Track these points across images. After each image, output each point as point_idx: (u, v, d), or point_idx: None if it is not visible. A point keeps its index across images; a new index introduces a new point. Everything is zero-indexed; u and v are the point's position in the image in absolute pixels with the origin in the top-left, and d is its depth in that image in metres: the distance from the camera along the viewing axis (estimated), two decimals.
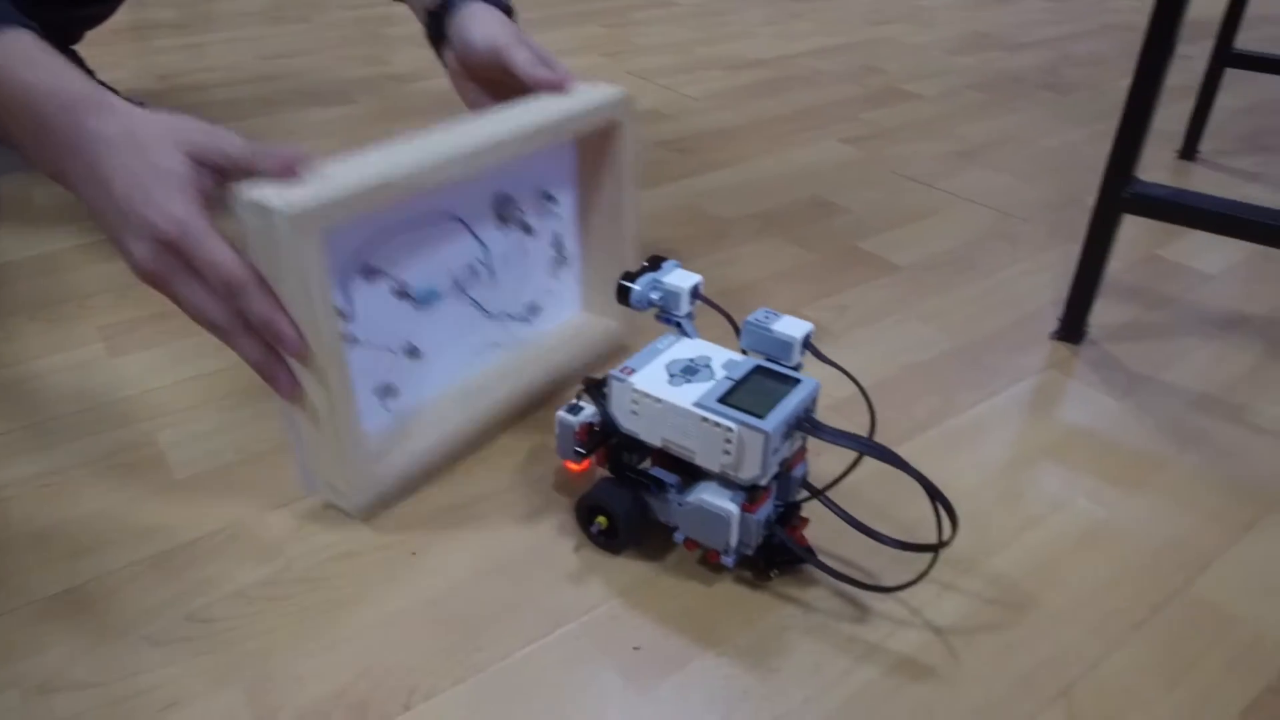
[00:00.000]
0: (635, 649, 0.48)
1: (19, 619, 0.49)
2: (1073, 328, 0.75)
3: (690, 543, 0.52)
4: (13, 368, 0.70)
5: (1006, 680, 0.47)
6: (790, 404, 0.48)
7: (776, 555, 0.51)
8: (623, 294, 0.55)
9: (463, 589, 0.52)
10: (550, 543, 0.55)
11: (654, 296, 0.55)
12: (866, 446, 0.48)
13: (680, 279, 0.55)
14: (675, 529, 0.52)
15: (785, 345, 0.52)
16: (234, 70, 1.45)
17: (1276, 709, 0.46)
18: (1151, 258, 0.90)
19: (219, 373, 0.70)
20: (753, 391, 0.49)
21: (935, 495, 0.47)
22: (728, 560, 0.51)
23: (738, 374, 0.51)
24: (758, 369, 0.51)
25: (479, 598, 0.51)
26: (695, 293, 0.55)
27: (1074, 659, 0.48)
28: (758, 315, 0.53)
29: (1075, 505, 0.59)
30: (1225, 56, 1.09)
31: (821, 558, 0.51)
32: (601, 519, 0.53)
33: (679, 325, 0.56)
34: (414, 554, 0.54)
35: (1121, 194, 0.69)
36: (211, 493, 0.58)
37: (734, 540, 0.50)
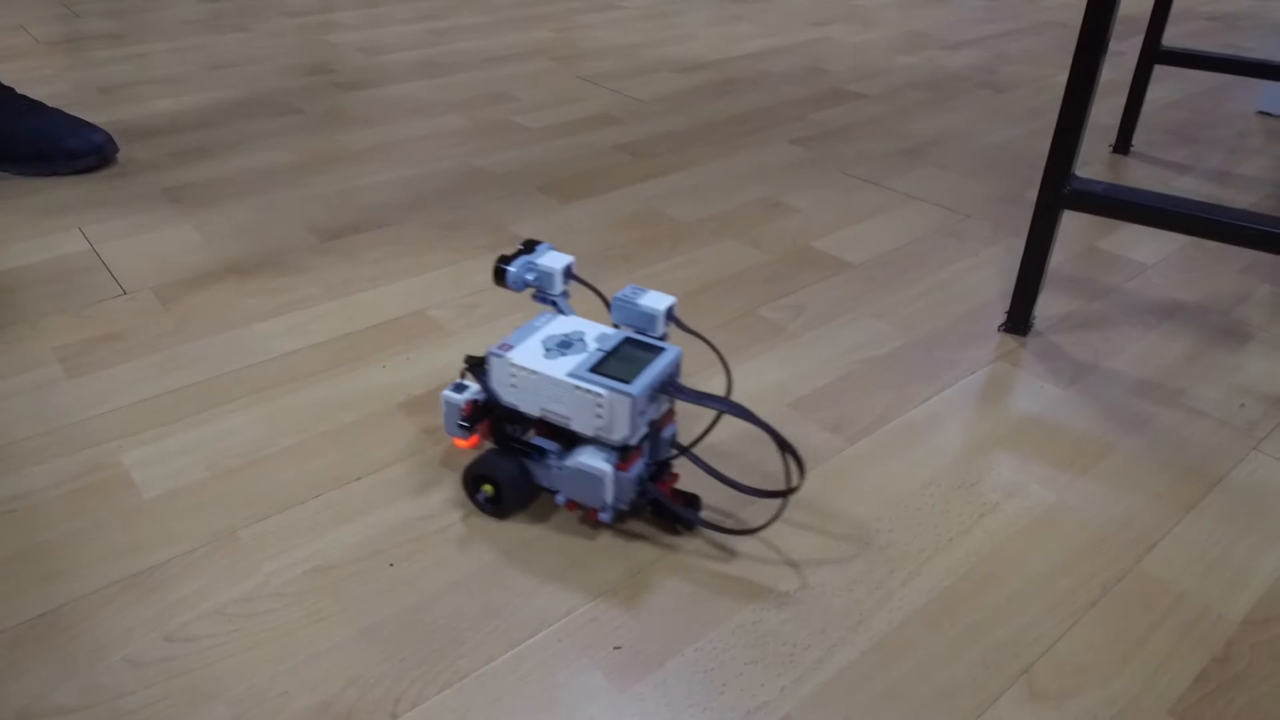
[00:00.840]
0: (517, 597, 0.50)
1: None
2: (1019, 320, 0.78)
3: (571, 504, 0.57)
4: None
5: (968, 663, 0.49)
6: (654, 370, 0.53)
7: (663, 510, 0.56)
8: (499, 275, 0.58)
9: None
10: (440, 514, 0.57)
11: (529, 277, 0.59)
12: (724, 405, 0.52)
13: (554, 260, 0.58)
14: (557, 492, 0.56)
15: (650, 318, 0.56)
16: (178, 82, 1.42)
17: (1223, 678, 0.49)
18: (1091, 249, 0.94)
19: (182, 390, 0.69)
20: (621, 361, 0.54)
21: (784, 446, 0.52)
22: (605, 516, 0.55)
23: (608, 346, 0.55)
24: (626, 340, 0.56)
25: (441, 604, 0.52)
26: (568, 273, 0.59)
27: (1031, 639, 0.51)
28: (625, 292, 0.57)
29: (1028, 491, 0.61)
30: (1154, 54, 1.14)
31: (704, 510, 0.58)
32: (488, 487, 0.56)
33: (554, 303, 0.59)
34: (391, 565, 0.54)
35: (1061, 191, 0.72)
36: (183, 511, 0.58)
37: (609, 497, 0.54)
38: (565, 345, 0.55)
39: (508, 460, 0.56)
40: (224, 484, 0.60)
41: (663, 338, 0.57)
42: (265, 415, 0.67)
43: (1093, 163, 1.17)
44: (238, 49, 1.61)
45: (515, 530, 0.57)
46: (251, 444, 0.64)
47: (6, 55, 1.55)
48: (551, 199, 1.04)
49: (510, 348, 0.55)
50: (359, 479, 0.61)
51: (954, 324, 0.80)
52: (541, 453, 0.56)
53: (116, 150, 1.10)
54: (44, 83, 1.41)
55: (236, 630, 0.50)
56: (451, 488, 0.60)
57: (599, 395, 0.51)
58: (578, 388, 0.52)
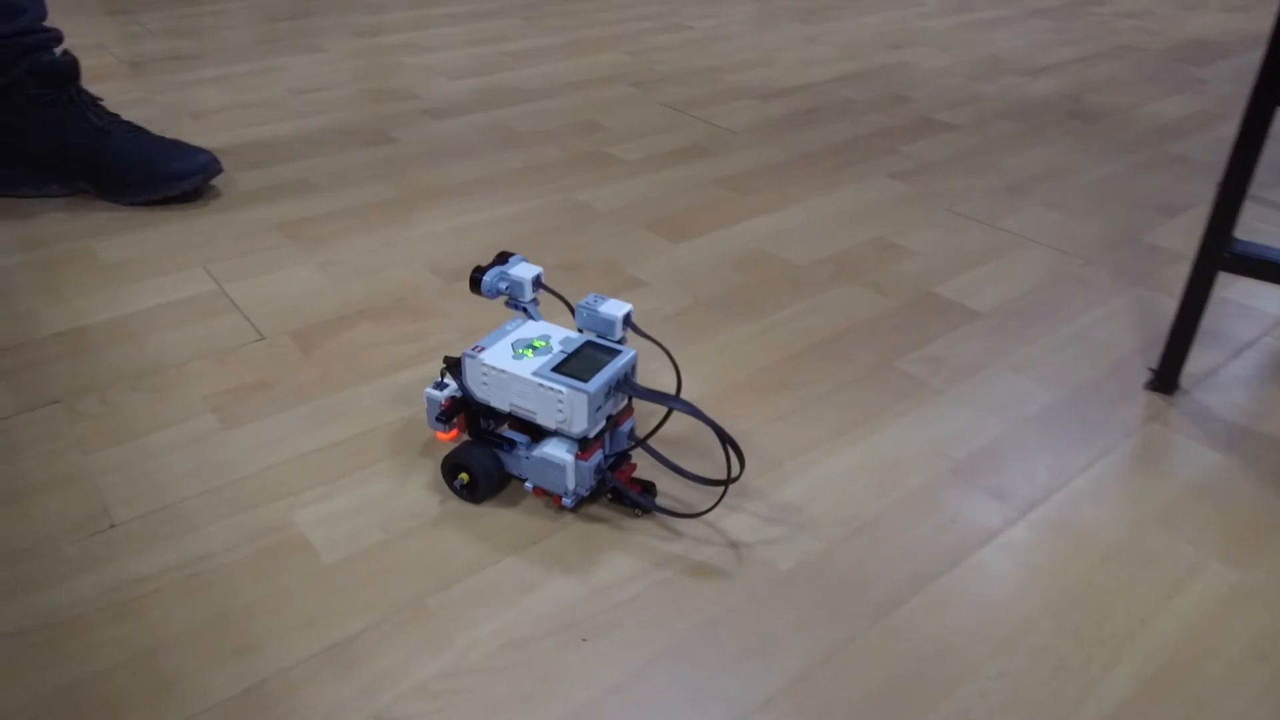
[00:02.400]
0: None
1: None
2: (1167, 380, 0.77)
3: (538, 490, 0.63)
4: (129, 444, 0.70)
5: None
6: (611, 370, 0.59)
7: (621, 496, 0.63)
8: (474, 284, 0.64)
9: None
10: (624, 582, 0.58)
11: (502, 286, 0.65)
12: (673, 402, 0.58)
13: (524, 271, 0.65)
14: (525, 480, 0.63)
15: (609, 323, 0.62)
16: (267, 107, 1.43)
17: None
18: (1218, 299, 0.93)
19: (340, 445, 0.70)
20: (581, 361, 0.60)
21: (725, 439, 0.58)
22: (567, 501, 0.62)
23: (570, 348, 0.61)
24: (587, 343, 0.62)
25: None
26: (537, 282, 0.65)
27: None
28: (588, 299, 0.63)
29: (1208, 568, 0.61)
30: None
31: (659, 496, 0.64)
32: (464, 475, 0.63)
33: (525, 310, 0.66)
34: (584, 640, 0.54)
35: (1221, 254, 0.71)
36: (366, 578, 0.58)
37: (571, 484, 0.61)
38: (530, 347, 0.61)
39: (482, 451, 0.62)
40: (401, 548, 0.61)
41: (621, 341, 0.63)
42: (426, 473, 0.67)
43: (1200, 203, 1.15)
44: (317, 71, 1.62)
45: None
46: (419, 505, 0.64)
47: (94, 77, 1.57)
48: (661, 237, 1.04)
49: (482, 349, 0.61)
50: (533, 544, 0.61)
51: (1098, 381, 0.79)
52: (512, 444, 0.62)
53: (221, 170, 1.11)
54: (136, 106, 1.42)
55: (444, 709, 0.50)
56: (635, 554, 0.60)
57: (560, 392, 0.58)
58: (541, 385, 0.58)
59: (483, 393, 0.61)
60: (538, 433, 0.62)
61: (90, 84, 1.52)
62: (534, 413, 0.60)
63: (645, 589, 0.58)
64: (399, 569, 0.59)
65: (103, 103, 1.13)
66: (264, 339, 0.83)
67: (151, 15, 2.01)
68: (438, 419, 0.63)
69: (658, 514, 0.63)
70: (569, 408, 0.58)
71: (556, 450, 0.60)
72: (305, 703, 0.50)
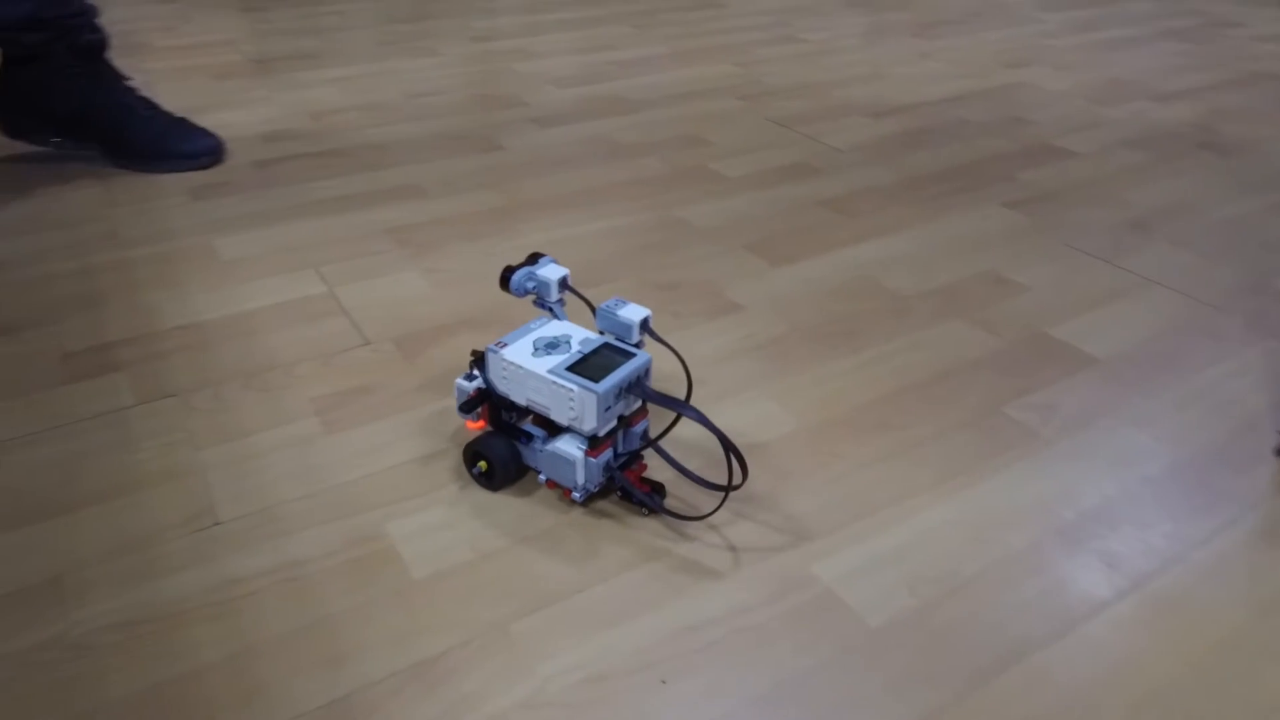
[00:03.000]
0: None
1: None
2: None
3: (551, 483, 0.66)
4: (237, 442, 0.72)
5: None
6: (623, 372, 0.61)
7: (628, 494, 0.65)
8: (504, 282, 0.67)
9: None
10: (709, 623, 0.56)
11: (530, 285, 0.68)
12: (680, 407, 0.59)
13: (551, 272, 0.67)
14: (540, 472, 0.65)
15: (627, 327, 0.64)
16: (382, 109, 1.47)
17: None
18: None
19: (435, 456, 0.71)
20: (595, 362, 0.62)
21: (729, 447, 0.59)
22: (577, 495, 0.64)
23: (588, 348, 0.63)
24: (605, 345, 0.64)
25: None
26: (563, 284, 0.68)
27: None
28: (609, 303, 0.65)
29: None
30: None
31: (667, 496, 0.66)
32: (482, 463, 0.66)
33: (550, 309, 0.69)
34: (664, 681, 0.54)
35: None
36: (453, 596, 0.59)
37: (580, 479, 0.63)
38: (552, 346, 0.64)
39: (501, 442, 0.65)
40: (488, 568, 0.61)
41: (639, 345, 0.65)
42: (518, 493, 0.67)
43: None
44: (431, 75, 1.65)
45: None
46: (510, 525, 0.65)
47: (222, 73, 1.64)
48: (761, 260, 1.02)
49: (505, 345, 0.64)
50: (618, 575, 0.61)
51: (1223, 443, 0.74)
52: (529, 437, 0.65)
53: (224, 157, 1.26)
54: (258, 105, 1.48)
55: None
56: (712, 593, 0.59)
57: (571, 390, 0.60)
58: (554, 382, 0.61)
59: (503, 386, 0.64)
60: (554, 428, 0.65)
61: (217, 80, 1.60)
62: (548, 408, 0.62)
63: (729, 633, 0.57)
64: (485, 590, 0.59)
65: (130, 81, 1.24)
66: (368, 344, 0.85)
67: (281, 13, 2.10)
68: (460, 408, 0.66)
69: (664, 515, 0.65)
70: (579, 405, 0.60)
71: (568, 446, 0.63)
72: None
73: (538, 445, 0.64)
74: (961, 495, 0.68)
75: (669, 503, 0.67)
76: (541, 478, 0.66)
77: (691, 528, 0.64)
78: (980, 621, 0.58)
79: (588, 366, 0.61)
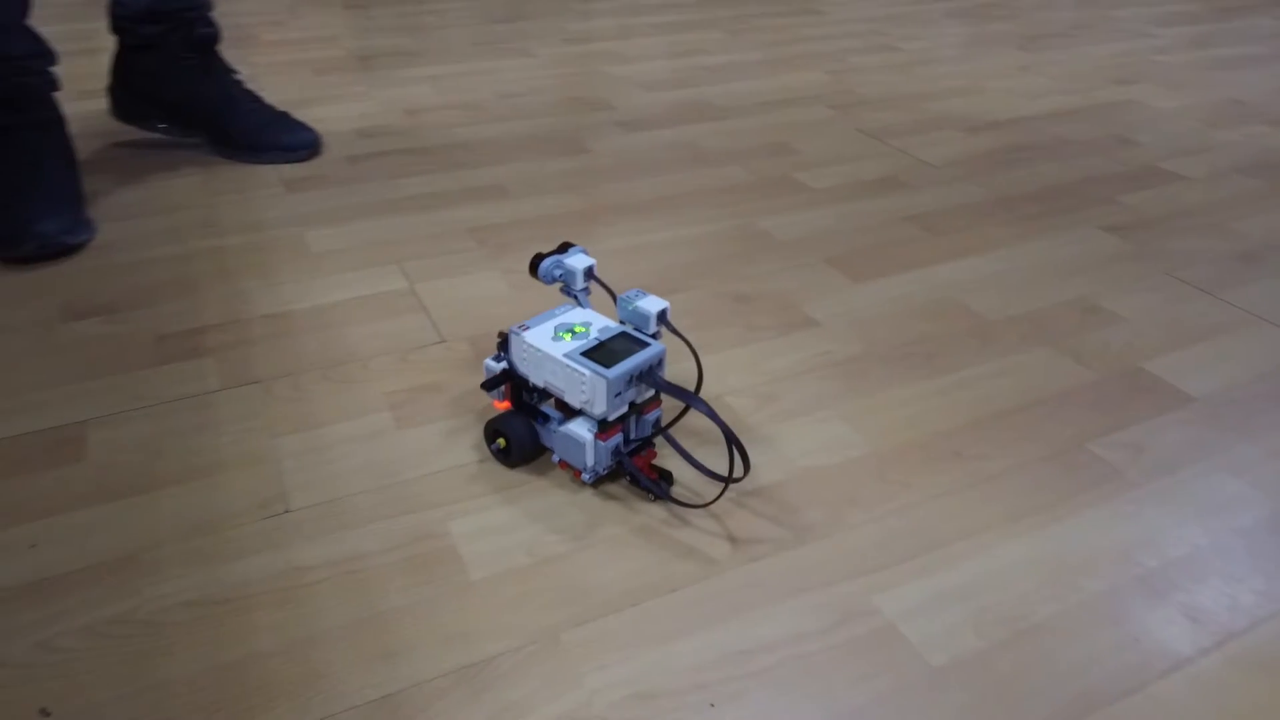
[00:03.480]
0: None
1: None
2: None
3: (563, 463, 0.69)
4: (312, 432, 0.74)
5: None
6: (635, 361, 0.63)
7: (636, 479, 0.66)
8: (533, 268, 0.69)
9: None
10: (761, 651, 0.53)
11: (557, 273, 0.70)
12: (688, 397, 0.61)
13: (578, 262, 0.69)
14: (553, 452, 0.68)
15: (645, 317, 0.66)
16: (474, 109, 1.50)
17: None
18: None
19: (492, 460, 0.71)
20: (610, 349, 0.64)
21: (731, 440, 0.61)
22: (586, 477, 0.67)
23: (605, 336, 0.65)
24: (622, 334, 0.66)
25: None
26: (589, 273, 0.70)
27: None
28: (629, 294, 0.67)
29: None
30: None
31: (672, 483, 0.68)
32: (501, 440, 0.69)
33: (575, 297, 0.70)
34: (712, 705, 0.53)
35: None
36: (507, 600, 0.59)
37: (589, 461, 0.65)
38: (571, 332, 0.66)
39: (520, 421, 0.68)
40: (544, 574, 0.61)
41: (655, 336, 0.66)
42: (577, 499, 0.67)
43: None
44: (524, 76, 1.67)
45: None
46: (568, 531, 0.65)
47: (324, 68, 1.69)
48: (842, 275, 1.00)
49: (527, 328, 0.66)
50: (673, 591, 0.60)
51: None
52: (546, 418, 0.67)
53: (320, 150, 1.30)
54: (355, 100, 1.52)
55: None
56: (769, 617, 0.58)
57: (583, 375, 0.62)
58: (569, 366, 0.63)
59: (523, 367, 0.67)
60: (570, 411, 0.67)
61: (318, 75, 1.65)
62: (563, 391, 0.65)
63: (783, 660, 0.55)
64: (540, 596, 0.59)
65: (237, 74, 1.29)
66: (443, 341, 0.86)
67: (383, 10, 2.15)
68: (483, 385, 0.68)
69: (669, 502, 0.66)
70: (590, 390, 0.62)
71: (579, 429, 0.65)
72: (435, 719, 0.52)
73: (553, 426, 0.67)
74: (1037, 534, 0.65)
75: (676, 491, 0.68)
76: (555, 458, 0.69)
77: (754, 550, 0.63)
78: (1047, 669, 0.55)
79: (602, 353, 0.64)
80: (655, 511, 0.66)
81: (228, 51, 1.33)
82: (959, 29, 2.10)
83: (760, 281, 0.98)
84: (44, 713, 0.51)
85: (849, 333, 0.90)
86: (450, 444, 0.73)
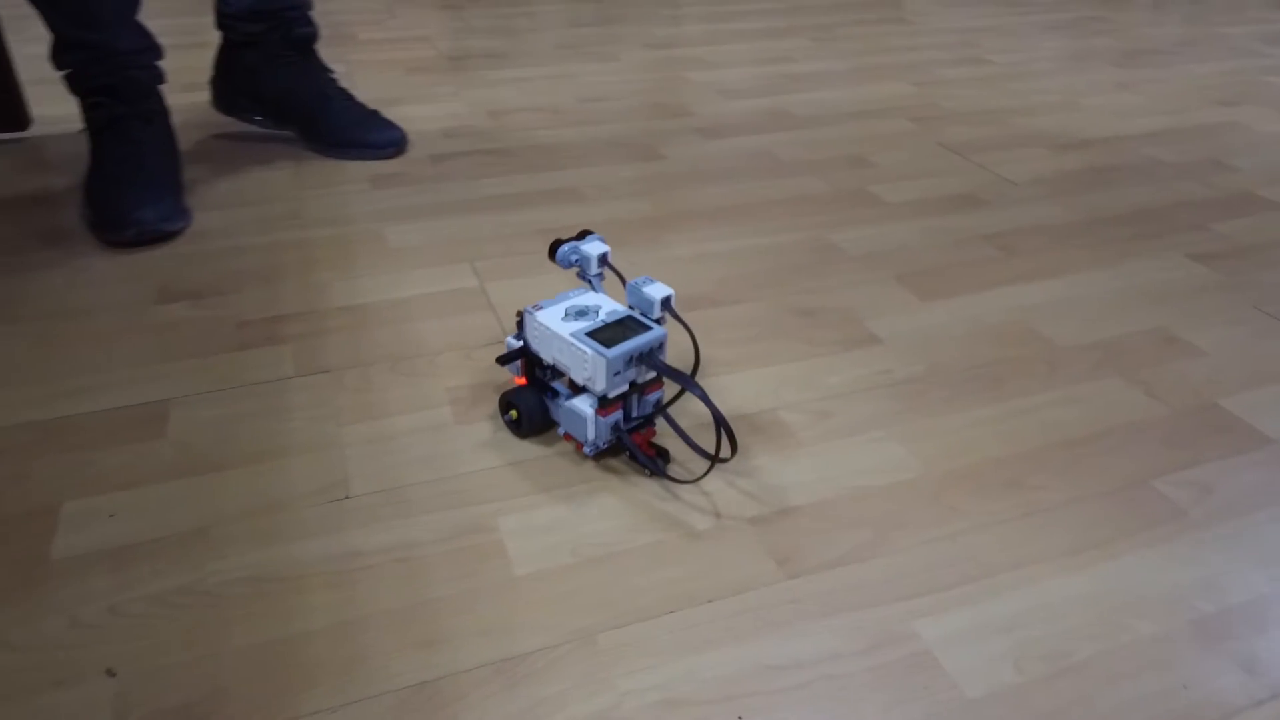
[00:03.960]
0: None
1: (379, 708, 0.53)
2: None
3: (568, 436, 0.73)
4: (377, 422, 0.77)
5: None
6: (636, 342, 0.67)
7: (634, 455, 0.70)
8: (551, 252, 0.73)
9: None
10: (795, 665, 0.53)
11: (574, 259, 0.74)
12: (682, 379, 0.66)
13: (593, 249, 0.73)
14: (559, 425, 0.73)
15: (650, 303, 0.70)
16: (556, 112, 1.52)
17: None
18: None
19: (549, 458, 0.73)
20: (614, 331, 0.68)
21: (720, 422, 0.65)
22: (587, 450, 0.71)
23: (612, 319, 0.69)
24: (628, 317, 0.70)
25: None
26: (603, 260, 0.73)
27: None
28: (638, 280, 0.71)
29: None
30: None
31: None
32: (513, 412, 0.74)
33: (590, 282, 0.74)
34: (739, 718, 0.53)
35: None
36: (548, 598, 0.60)
37: (590, 435, 0.69)
38: (581, 313, 0.70)
39: (531, 394, 0.73)
40: (586, 575, 0.62)
41: (659, 321, 0.70)
42: (623, 504, 0.69)
43: None
44: (606, 80, 1.69)
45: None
46: (610, 534, 0.66)
47: (415, 68, 1.75)
48: (910, 293, 0.99)
49: (541, 308, 0.71)
50: (709, 601, 0.61)
51: None
52: (555, 393, 0.72)
53: (406, 148, 1.35)
54: (443, 100, 1.57)
55: None
56: (805, 634, 0.58)
57: (585, 353, 0.66)
58: (573, 345, 0.67)
59: (536, 345, 0.71)
60: (577, 388, 0.70)
61: (409, 74, 1.70)
62: (568, 367, 0.69)
63: (816, 679, 0.55)
64: (579, 596, 0.61)
65: (332, 73, 1.34)
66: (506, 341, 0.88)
67: (477, 12, 2.21)
68: (498, 359, 0.73)
69: (663, 479, 0.70)
70: (592, 367, 0.66)
71: (582, 404, 0.69)
72: (465, 710, 0.53)
73: (560, 401, 0.71)
74: (1090, 570, 0.64)
75: (672, 469, 0.72)
76: (561, 430, 0.73)
77: (795, 567, 0.63)
78: (1088, 711, 0.54)
79: (606, 334, 0.68)
80: (702, 521, 0.67)
81: (327, 48, 1.38)
82: (1055, 43, 2.04)
83: (825, 296, 0.98)
84: (109, 673, 0.54)
85: (912, 352, 0.88)
86: (505, 441, 0.75)
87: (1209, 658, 0.57)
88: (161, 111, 1.15)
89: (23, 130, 1.37)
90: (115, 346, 0.87)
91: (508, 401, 0.74)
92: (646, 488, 0.70)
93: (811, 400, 0.81)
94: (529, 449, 0.74)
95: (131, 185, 1.06)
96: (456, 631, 0.58)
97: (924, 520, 0.68)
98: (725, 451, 0.74)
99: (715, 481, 0.71)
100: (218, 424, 0.76)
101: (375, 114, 1.34)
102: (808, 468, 0.73)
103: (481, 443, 0.75)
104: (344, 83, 1.37)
